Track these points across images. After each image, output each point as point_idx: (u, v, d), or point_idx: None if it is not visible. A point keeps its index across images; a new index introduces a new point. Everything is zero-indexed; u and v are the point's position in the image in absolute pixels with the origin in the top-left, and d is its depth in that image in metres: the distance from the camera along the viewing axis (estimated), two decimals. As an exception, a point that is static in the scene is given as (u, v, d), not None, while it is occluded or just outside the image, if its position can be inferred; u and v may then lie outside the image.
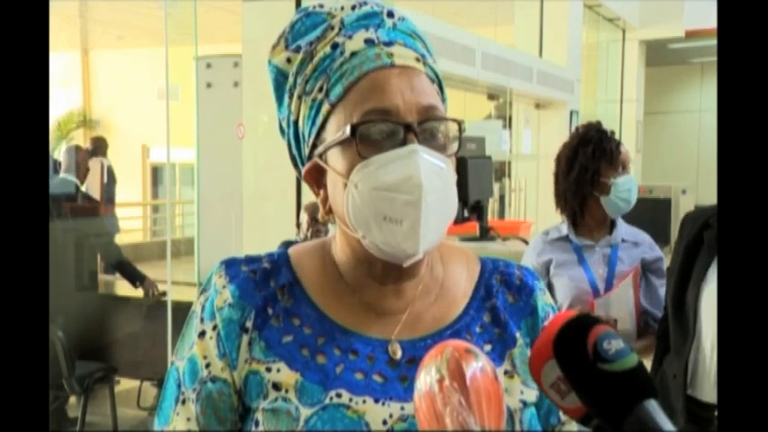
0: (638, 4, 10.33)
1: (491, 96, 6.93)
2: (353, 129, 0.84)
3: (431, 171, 0.83)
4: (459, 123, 0.89)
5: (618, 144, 2.44)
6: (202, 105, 5.27)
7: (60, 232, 4.70)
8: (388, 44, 0.88)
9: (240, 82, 4.79)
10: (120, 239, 8.72)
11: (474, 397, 0.70)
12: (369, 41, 0.88)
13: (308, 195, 4.06)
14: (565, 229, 2.48)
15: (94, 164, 8.10)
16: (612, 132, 2.47)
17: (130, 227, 11.93)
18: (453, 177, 0.88)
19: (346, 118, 0.86)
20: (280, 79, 0.94)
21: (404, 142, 0.84)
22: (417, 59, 0.89)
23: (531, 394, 0.91)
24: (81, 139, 14.24)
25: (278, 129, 0.98)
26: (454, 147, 0.89)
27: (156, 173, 14.42)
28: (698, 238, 2.03)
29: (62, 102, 13.36)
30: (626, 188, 2.40)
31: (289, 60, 0.92)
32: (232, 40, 5.85)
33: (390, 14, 0.92)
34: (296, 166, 0.98)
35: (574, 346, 0.71)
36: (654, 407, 0.69)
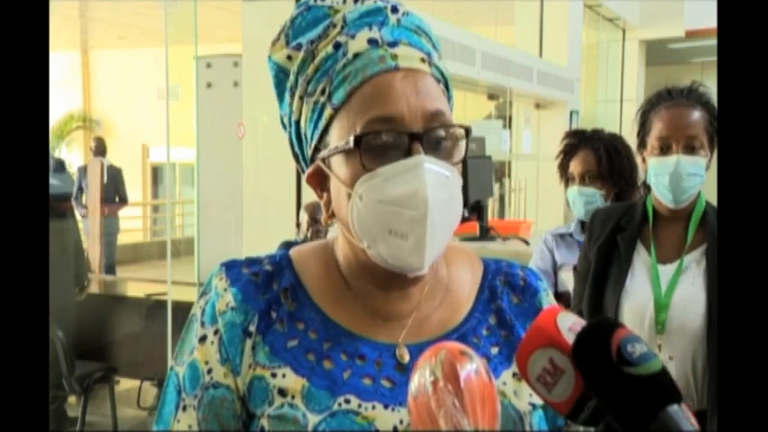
0: (638, 4, 10.32)
1: (491, 96, 6.93)
2: (357, 140, 0.82)
3: (436, 182, 0.81)
4: (466, 129, 0.86)
5: (571, 157, 2.49)
6: (202, 105, 5.27)
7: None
8: (393, 44, 0.85)
9: (240, 82, 4.78)
10: (120, 239, 8.74)
11: (468, 399, 0.69)
12: (372, 42, 0.85)
13: (308, 195, 4.06)
14: (572, 226, 2.53)
15: (94, 164, 8.14)
16: (595, 136, 2.49)
17: (131, 227, 11.94)
18: (459, 184, 0.85)
19: (350, 125, 0.83)
20: (280, 76, 0.91)
21: (409, 152, 0.81)
22: (422, 60, 0.86)
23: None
24: (81, 139, 14.28)
25: (278, 127, 0.95)
26: (460, 153, 0.86)
27: (156, 173, 14.44)
28: (611, 240, 1.92)
29: (62, 102, 13.37)
30: (571, 200, 2.50)
31: (289, 58, 0.89)
32: (232, 40, 5.85)
33: (395, 10, 0.88)
34: (298, 162, 0.96)
35: (596, 348, 0.69)
36: (677, 412, 0.67)
